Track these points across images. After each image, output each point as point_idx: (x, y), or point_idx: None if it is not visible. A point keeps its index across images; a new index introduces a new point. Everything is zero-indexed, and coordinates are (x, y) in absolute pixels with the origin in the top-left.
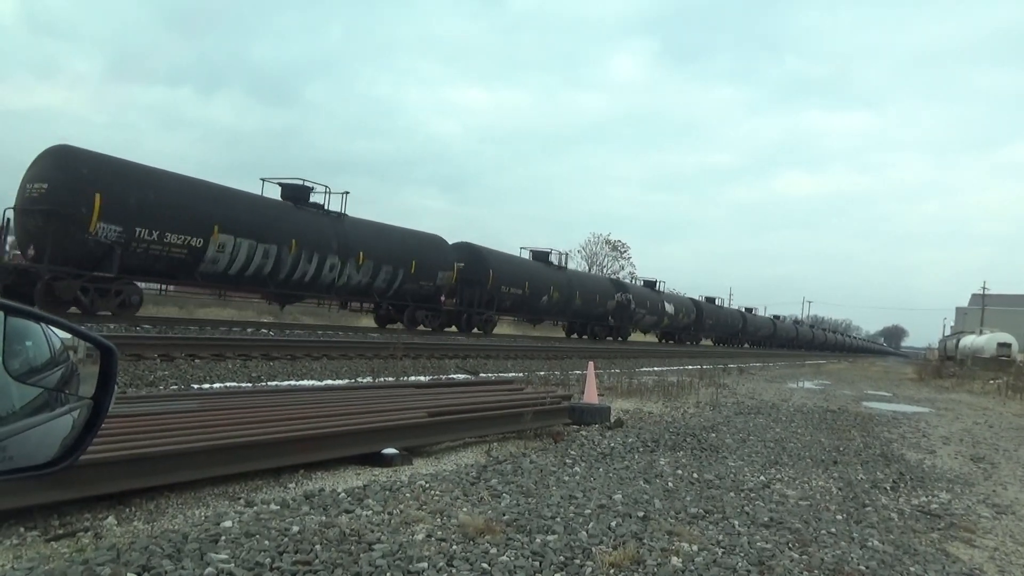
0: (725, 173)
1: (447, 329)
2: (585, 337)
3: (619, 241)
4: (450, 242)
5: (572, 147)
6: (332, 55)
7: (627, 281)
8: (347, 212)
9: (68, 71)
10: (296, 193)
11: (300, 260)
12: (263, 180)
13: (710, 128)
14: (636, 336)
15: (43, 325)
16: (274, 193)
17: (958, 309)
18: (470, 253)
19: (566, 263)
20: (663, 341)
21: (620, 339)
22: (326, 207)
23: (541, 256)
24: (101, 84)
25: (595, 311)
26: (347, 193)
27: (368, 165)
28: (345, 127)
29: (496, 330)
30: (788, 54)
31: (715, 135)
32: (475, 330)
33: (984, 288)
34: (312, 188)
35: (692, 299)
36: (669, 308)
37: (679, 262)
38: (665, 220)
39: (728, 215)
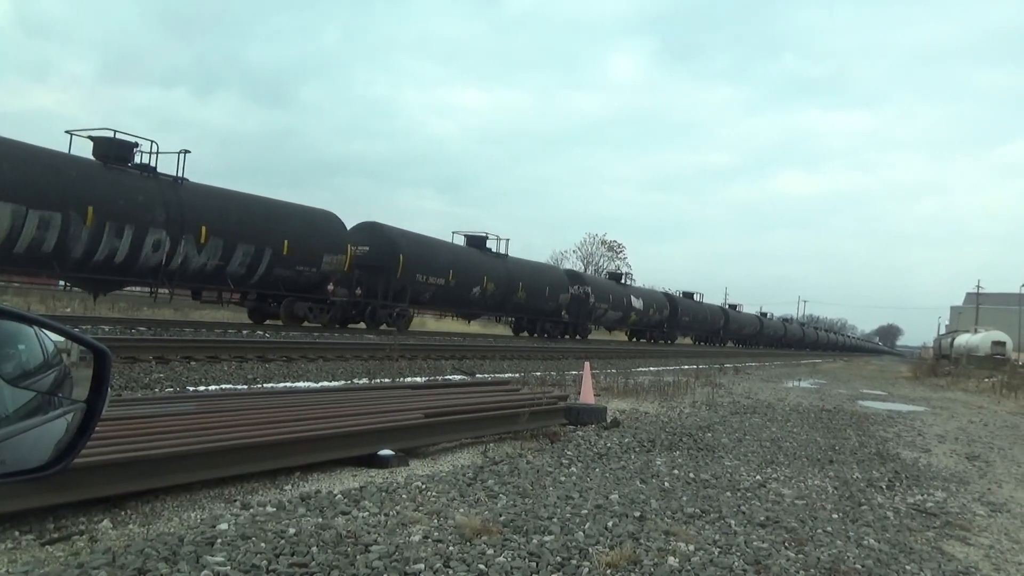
0: (722, 173)
1: (352, 326)
2: (536, 335)
3: (615, 241)
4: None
5: (570, 147)
6: (328, 56)
7: (587, 272)
8: (189, 178)
9: (61, 73)
10: (110, 149)
11: (103, 234)
12: (69, 133)
13: (708, 128)
14: (600, 334)
15: (36, 328)
16: (84, 151)
17: (953, 308)
18: (375, 234)
19: (507, 250)
20: (635, 340)
21: (578, 337)
22: (156, 169)
23: (477, 241)
24: (95, 86)
25: (545, 306)
26: (186, 152)
27: (365, 166)
28: (342, 128)
29: (420, 327)
30: (786, 53)
31: (713, 135)
32: (383, 326)
33: (979, 287)
34: (136, 144)
35: (665, 293)
36: (636, 303)
37: (676, 262)
38: (662, 220)
39: (725, 215)
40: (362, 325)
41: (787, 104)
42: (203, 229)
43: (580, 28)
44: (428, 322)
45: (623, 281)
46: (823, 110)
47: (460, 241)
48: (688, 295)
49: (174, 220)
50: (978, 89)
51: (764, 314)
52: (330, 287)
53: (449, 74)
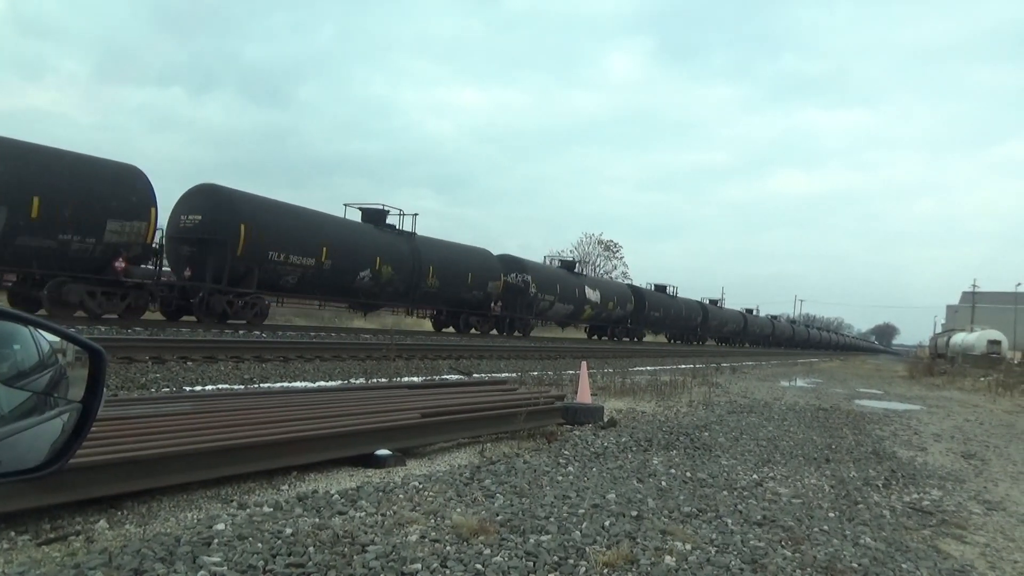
0: (720, 172)
1: (186, 318)
2: (462, 331)
3: (611, 241)
4: None
5: (567, 147)
6: (325, 55)
7: (531, 260)
8: None
9: (57, 72)
10: None
11: None
12: None
13: (705, 127)
14: (549, 331)
15: (31, 328)
16: None
17: (949, 307)
18: (211, 199)
19: (414, 227)
20: (598, 338)
21: (518, 334)
22: None
23: (374, 215)
24: (90, 85)
25: (468, 296)
26: None
27: (362, 166)
28: (339, 127)
29: (286, 321)
30: (785, 52)
31: (710, 134)
32: (233, 319)
33: (974, 286)
34: None
35: (630, 285)
36: (591, 295)
37: (672, 262)
38: (659, 220)
39: (722, 214)
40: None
41: (785, 103)
42: None
43: (578, 27)
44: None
45: (577, 271)
46: (821, 109)
47: (354, 215)
48: (660, 288)
49: None
50: (976, 87)
51: (750, 311)
52: (119, 264)
53: (447, 73)
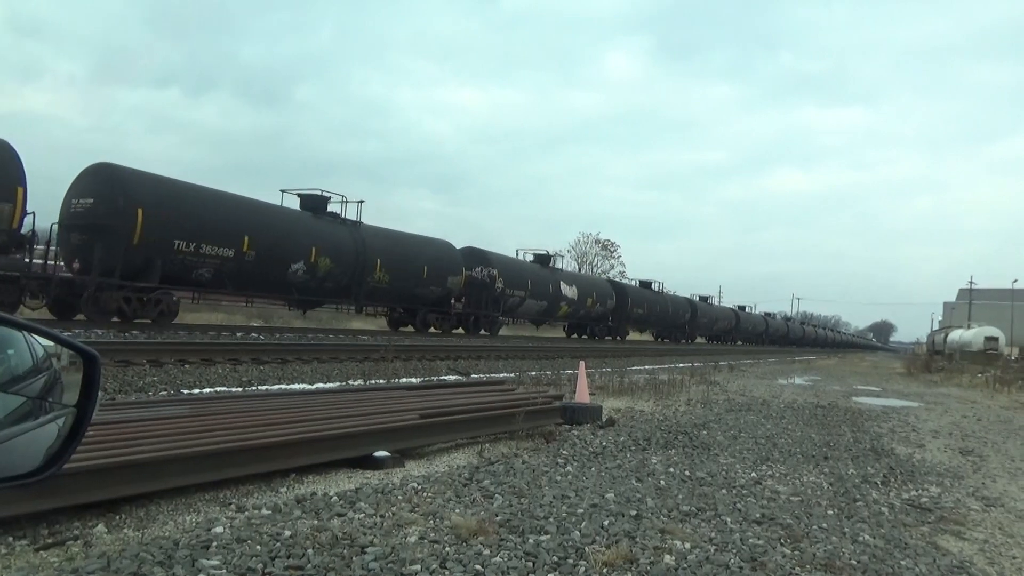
0: (718, 171)
1: (79, 317)
2: (420, 330)
3: (609, 240)
4: None
5: (566, 146)
6: (323, 55)
7: (499, 253)
8: None
9: (53, 74)
10: None
11: None
12: None
13: (704, 126)
14: (524, 330)
15: (25, 333)
16: None
17: (946, 304)
18: (103, 181)
19: (360, 215)
20: (578, 336)
21: (484, 332)
22: None
23: (313, 202)
24: (86, 86)
25: (423, 292)
26: None
27: (360, 166)
28: (336, 128)
29: (199, 318)
30: (784, 50)
31: (709, 133)
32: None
33: (971, 283)
34: None
35: (611, 281)
36: (567, 290)
37: (671, 261)
38: (658, 219)
39: (721, 213)
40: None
41: (784, 101)
42: None
43: (577, 26)
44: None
45: (552, 265)
46: (820, 107)
47: (292, 202)
48: (645, 284)
49: None
50: (974, 85)
51: (743, 307)
52: None
53: (445, 73)
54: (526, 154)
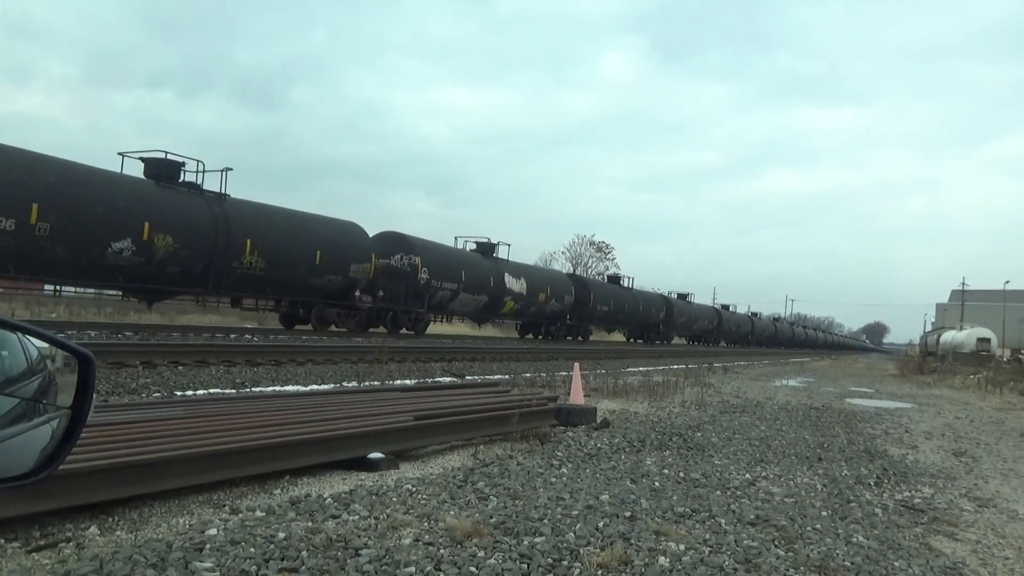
0: (713, 172)
1: None
2: (332, 327)
3: (603, 242)
4: None
5: (562, 147)
6: (317, 56)
7: (424, 239)
8: None
9: (45, 76)
10: None
11: None
12: None
13: (699, 126)
14: (466, 328)
15: (19, 334)
16: None
17: (939, 305)
18: None
19: (225, 187)
20: (534, 337)
21: (407, 330)
22: None
23: (161, 169)
24: (79, 88)
25: (317, 281)
26: None
27: (355, 168)
28: (331, 130)
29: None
30: (779, 50)
31: (704, 133)
32: None
33: (963, 284)
34: None
35: (571, 275)
36: (514, 284)
37: (667, 262)
38: (653, 220)
39: (715, 214)
40: None
41: (778, 102)
42: None
43: (572, 27)
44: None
45: (497, 254)
46: (814, 108)
47: (136, 170)
48: (614, 279)
49: None
50: (969, 85)
51: (726, 307)
52: None
53: (440, 74)
54: (522, 155)
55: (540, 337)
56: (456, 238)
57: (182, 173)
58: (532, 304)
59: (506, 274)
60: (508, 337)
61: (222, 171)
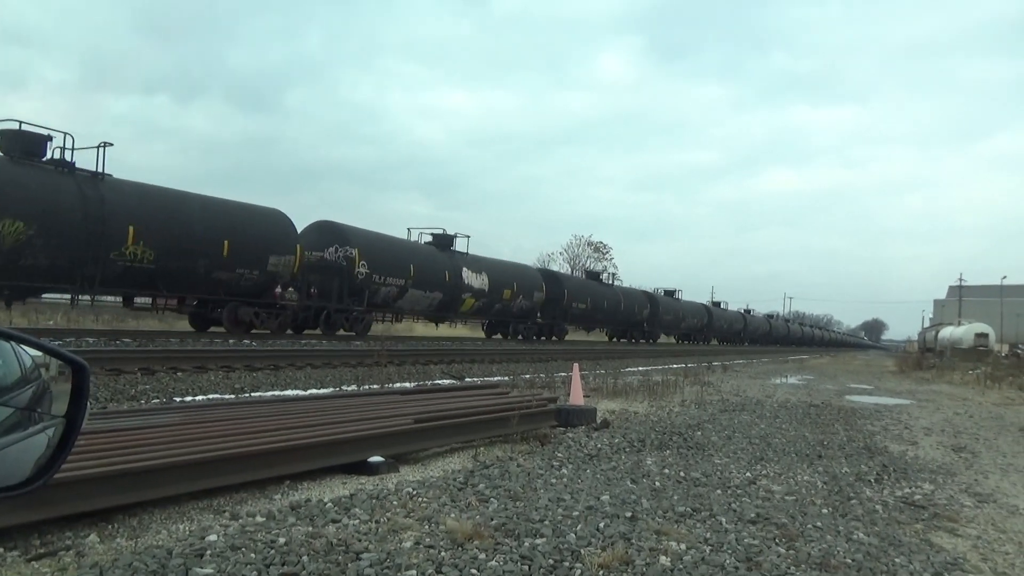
0: (710, 172)
1: None
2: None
3: (600, 242)
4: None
5: (559, 148)
6: (312, 60)
7: (364, 229)
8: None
9: (40, 81)
10: None
11: None
12: None
13: (696, 126)
14: (423, 329)
15: (13, 343)
16: None
17: (936, 301)
18: None
19: (103, 165)
20: (503, 337)
21: (345, 331)
22: None
23: (20, 143)
24: (74, 94)
25: (224, 276)
26: None
27: (351, 171)
28: (327, 133)
29: None
30: (776, 49)
31: (701, 133)
32: None
33: (961, 280)
34: None
35: (543, 270)
36: (474, 279)
37: (665, 262)
38: (650, 220)
39: (713, 214)
40: None
41: (776, 101)
42: None
43: (568, 27)
44: None
45: (455, 247)
46: (812, 106)
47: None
48: (593, 275)
49: None
50: (966, 82)
51: (717, 304)
52: None
53: (435, 76)
54: (519, 156)
55: (501, 336)
56: (409, 229)
57: (48, 148)
58: (496, 301)
59: (464, 268)
60: (474, 337)
61: (98, 147)
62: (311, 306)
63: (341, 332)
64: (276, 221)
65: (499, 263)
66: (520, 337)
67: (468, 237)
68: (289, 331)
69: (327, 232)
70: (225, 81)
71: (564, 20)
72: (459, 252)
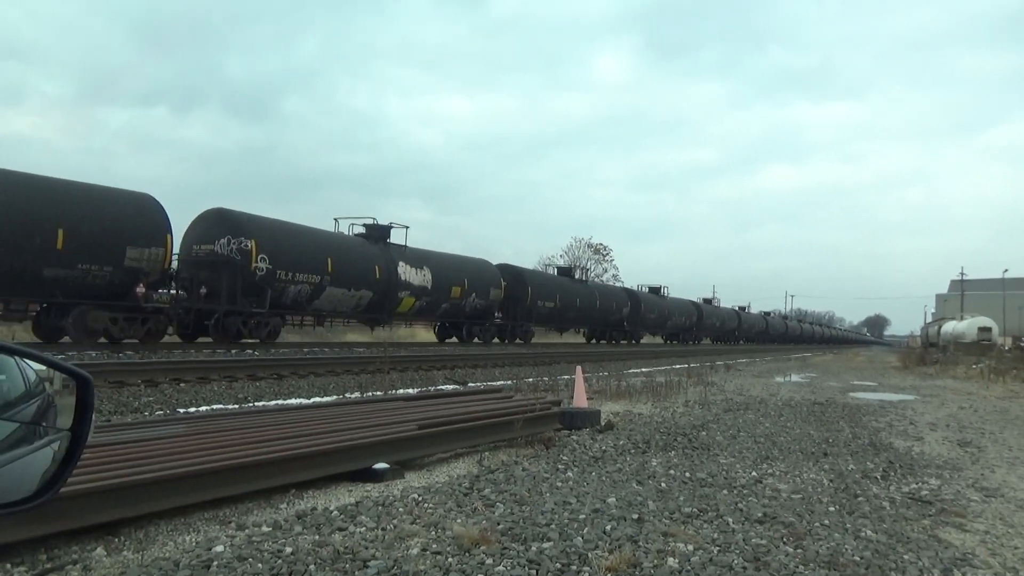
0: (709, 170)
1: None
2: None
3: (601, 244)
4: None
5: (557, 150)
6: (309, 67)
7: (266, 217)
8: None
9: (37, 96)
10: None
11: None
12: None
13: (694, 125)
14: (355, 333)
15: (17, 358)
16: None
17: (938, 296)
18: None
19: None
20: (460, 341)
21: (252, 338)
22: None
23: None
24: (71, 108)
25: (67, 275)
26: None
27: (350, 179)
28: (325, 140)
29: None
30: (773, 45)
31: (699, 132)
32: None
33: (962, 274)
34: None
35: (505, 266)
36: (413, 275)
37: (665, 262)
38: (650, 220)
39: (712, 213)
40: None
41: (773, 98)
42: None
43: (565, 29)
44: None
45: (391, 239)
46: (810, 102)
47: None
48: (564, 271)
49: None
50: (964, 74)
51: (708, 300)
52: None
53: (433, 81)
54: (517, 159)
55: (456, 339)
56: (336, 220)
57: None
58: (442, 300)
59: (401, 263)
60: (426, 342)
61: None
62: (192, 308)
63: (245, 340)
64: (138, 206)
65: (446, 257)
66: (477, 340)
67: (407, 228)
68: (172, 339)
69: (218, 221)
70: (222, 90)
71: (560, 21)
72: (396, 245)
